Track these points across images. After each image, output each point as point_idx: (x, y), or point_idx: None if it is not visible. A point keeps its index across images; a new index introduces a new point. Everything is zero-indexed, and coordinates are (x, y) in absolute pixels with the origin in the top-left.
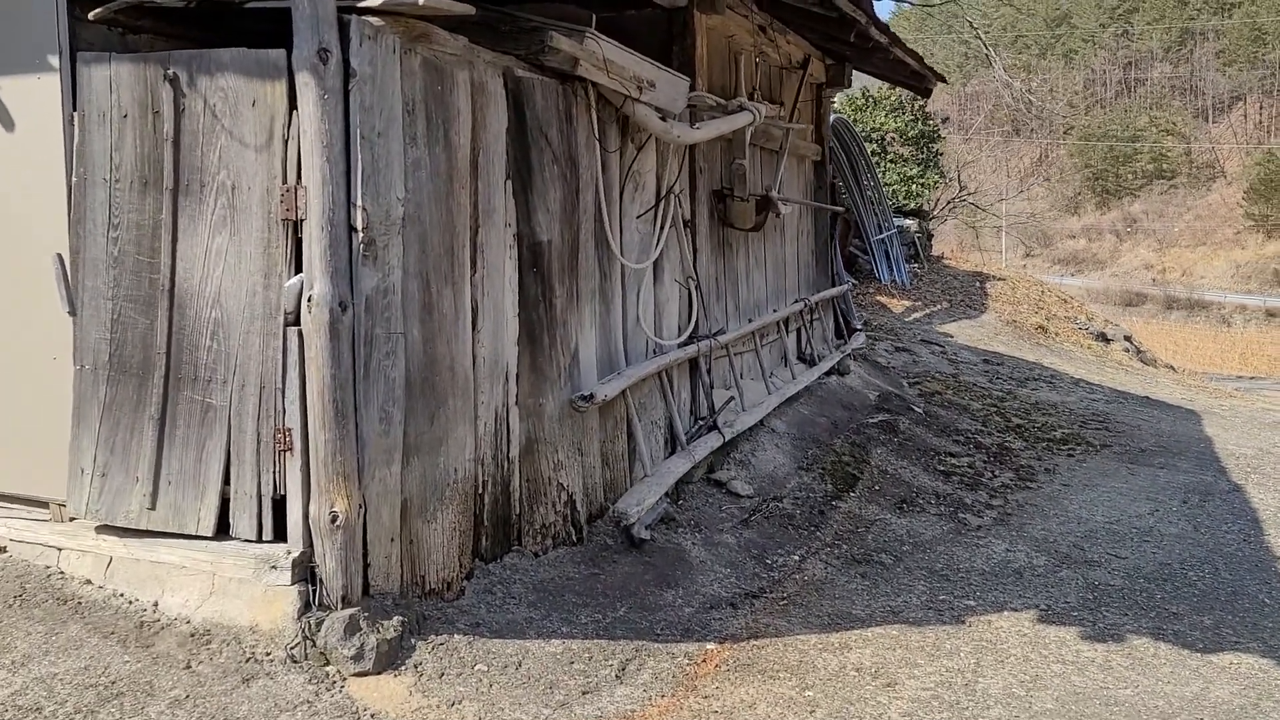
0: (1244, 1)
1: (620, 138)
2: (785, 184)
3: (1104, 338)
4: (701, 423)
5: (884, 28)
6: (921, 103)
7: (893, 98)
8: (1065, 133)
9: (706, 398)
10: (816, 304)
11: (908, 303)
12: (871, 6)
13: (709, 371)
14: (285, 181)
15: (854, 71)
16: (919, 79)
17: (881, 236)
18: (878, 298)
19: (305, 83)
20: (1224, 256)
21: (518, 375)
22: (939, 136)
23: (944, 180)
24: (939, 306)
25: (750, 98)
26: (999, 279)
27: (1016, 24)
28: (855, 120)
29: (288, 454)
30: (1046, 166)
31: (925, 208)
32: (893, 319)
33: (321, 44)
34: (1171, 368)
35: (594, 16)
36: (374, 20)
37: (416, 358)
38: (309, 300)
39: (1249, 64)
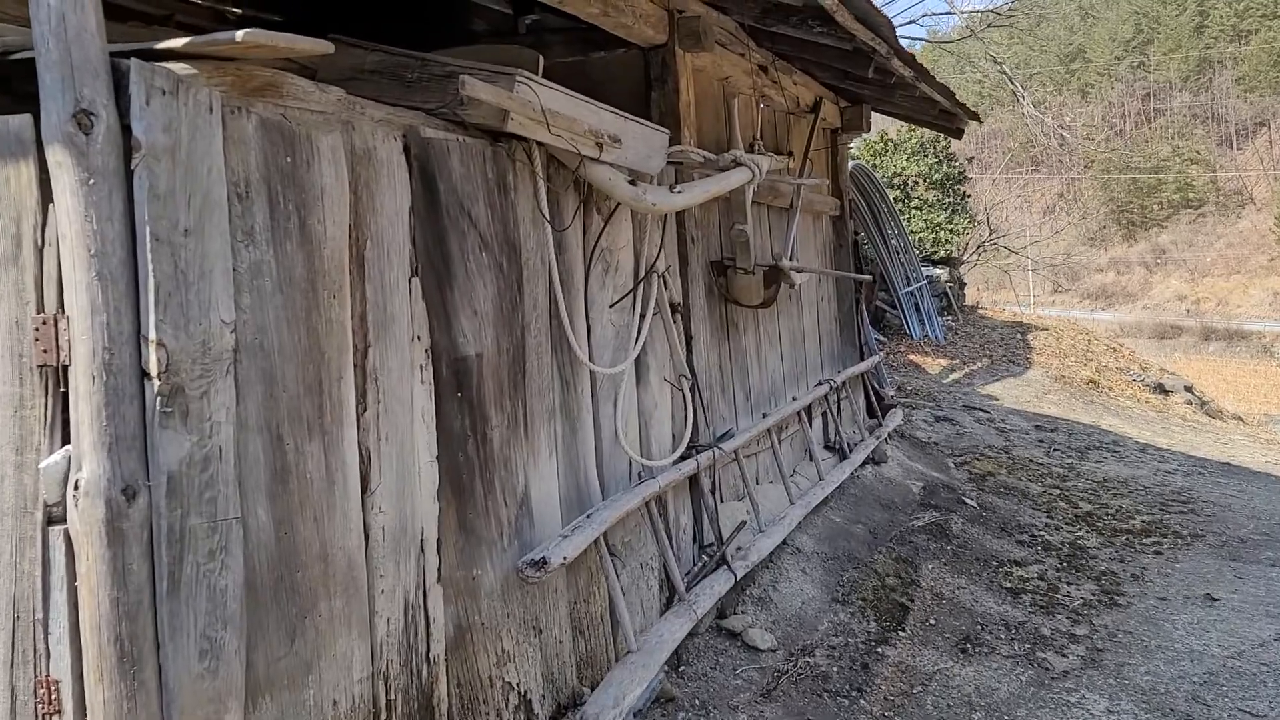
0: (1261, 28)
1: (580, 209)
2: (800, 247)
3: (1162, 389)
4: (707, 556)
5: (909, 59)
6: (945, 143)
7: (914, 140)
8: (1086, 167)
9: (712, 523)
10: (844, 383)
11: (944, 361)
12: (894, 35)
13: (714, 489)
14: (41, 309)
15: (874, 113)
16: (949, 118)
17: (911, 289)
18: (911, 357)
19: (59, 161)
20: (1259, 284)
21: (439, 542)
22: (965, 178)
23: (973, 224)
24: (979, 364)
25: (751, 149)
26: (1041, 329)
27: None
28: (875, 166)
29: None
30: (1069, 201)
31: (955, 254)
32: (929, 381)
33: (80, 104)
34: (1240, 419)
35: (540, 60)
36: (174, 68)
37: (264, 550)
38: (76, 486)
39: (1271, 89)
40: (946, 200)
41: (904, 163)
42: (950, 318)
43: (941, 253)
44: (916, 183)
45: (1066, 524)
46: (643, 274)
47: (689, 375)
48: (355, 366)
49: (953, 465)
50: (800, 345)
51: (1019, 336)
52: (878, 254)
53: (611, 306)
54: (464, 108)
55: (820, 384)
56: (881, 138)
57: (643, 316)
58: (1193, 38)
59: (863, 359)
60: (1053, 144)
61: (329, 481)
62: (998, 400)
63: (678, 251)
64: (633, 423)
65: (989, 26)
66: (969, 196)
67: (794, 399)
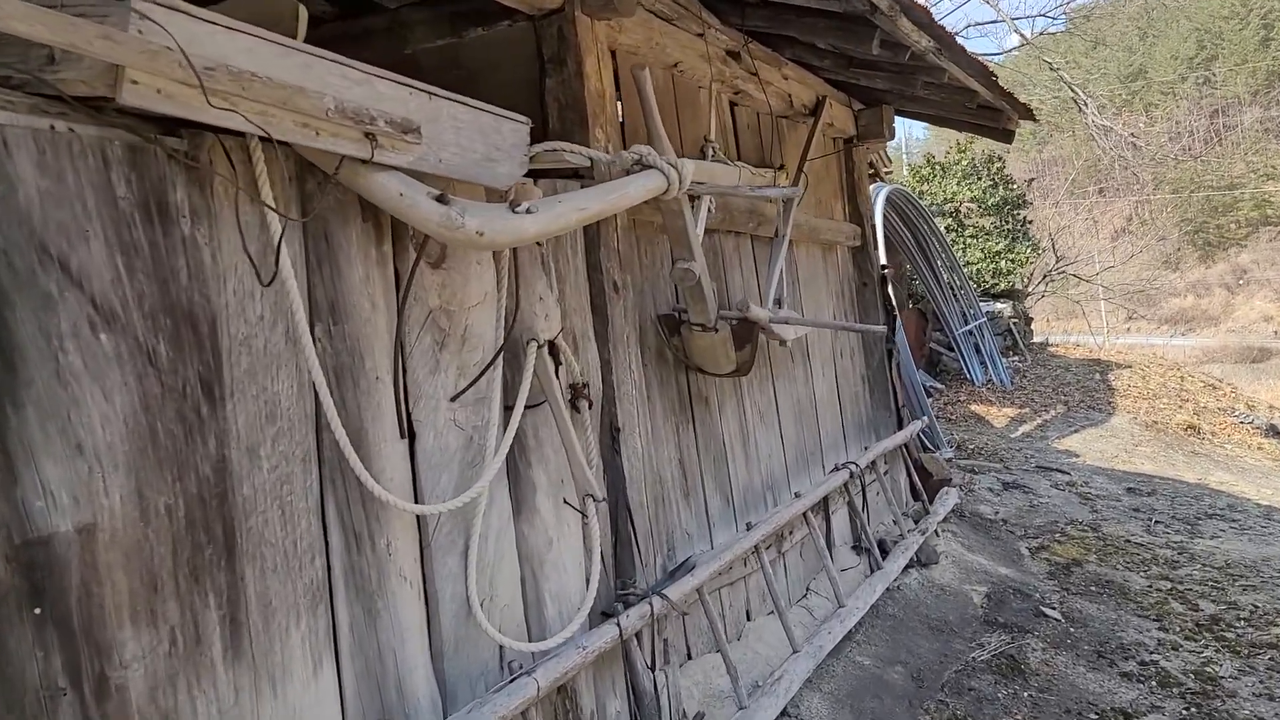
0: None
1: (380, 248)
2: (807, 288)
3: (1276, 432)
4: None
5: (925, 19)
6: (999, 164)
7: (964, 162)
8: (1155, 188)
9: (653, 715)
10: (874, 462)
11: (1012, 410)
12: None
13: (656, 658)
14: None
15: (901, 118)
16: (993, 116)
17: (969, 327)
18: (973, 407)
19: None
20: None
21: None
22: (1025, 202)
23: (1037, 252)
24: (1053, 412)
25: (703, 154)
26: (1123, 366)
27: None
28: (921, 193)
29: None
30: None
31: (1018, 286)
32: (995, 436)
33: None
34: None
35: (302, 12)
36: None
37: None
38: None
39: None
40: (1005, 227)
41: (954, 188)
42: (1016, 358)
43: (1002, 285)
44: (970, 209)
45: (1186, 637)
46: (505, 341)
47: (594, 494)
48: None
49: (1026, 553)
50: (810, 418)
51: (1098, 376)
52: (928, 290)
53: (454, 399)
54: (49, 71)
55: (839, 469)
56: (928, 161)
57: (510, 408)
58: (1259, 51)
59: (900, 426)
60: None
61: None
62: (1078, 457)
63: (590, 305)
64: (506, 579)
65: (1041, 34)
66: (1030, 222)
67: (797, 495)
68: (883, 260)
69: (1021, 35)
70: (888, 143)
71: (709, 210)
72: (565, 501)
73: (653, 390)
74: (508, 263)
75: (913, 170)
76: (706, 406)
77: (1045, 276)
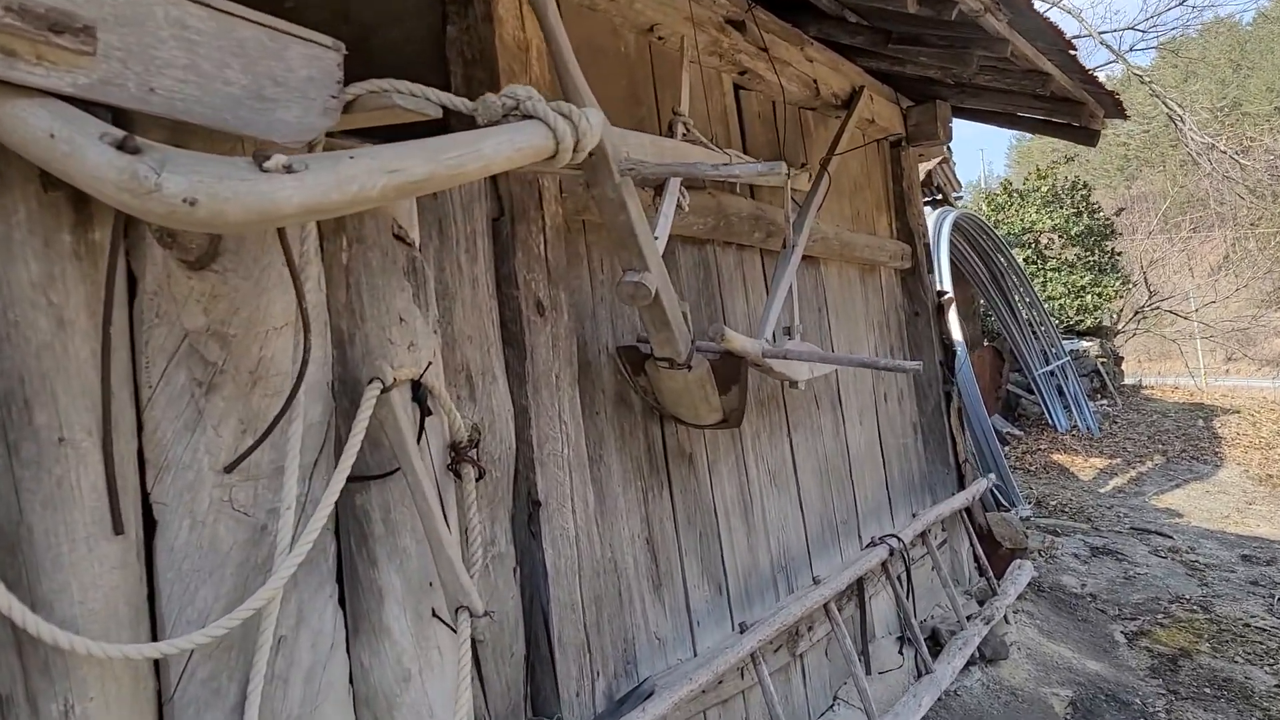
0: None
1: (91, 228)
2: (838, 314)
3: None
4: None
5: None
6: (1084, 190)
7: (1044, 188)
8: (1253, 224)
9: None
10: (925, 531)
11: (1101, 461)
12: None
13: None
14: None
15: (959, 119)
16: (1073, 110)
17: (1050, 367)
18: (1055, 456)
19: None
20: None
21: None
22: (1113, 232)
23: (1127, 286)
24: (1149, 463)
25: (678, 132)
26: (1230, 411)
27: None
28: (996, 222)
29: None
30: (1238, 259)
31: (1106, 323)
32: (1081, 491)
33: None
34: None
35: None
36: None
37: None
38: None
39: None
40: (1091, 259)
41: (1033, 216)
42: (1105, 402)
43: (1088, 322)
44: (1051, 240)
45: None
46: (295, 382)
47: (477, 604)
48: None
49: (1122, 640)
50: (841, 477)
51: (1201, 422)
52: (1004, 326)
53: (229, 469)
54: None
55: (876, 543)
56: (1004, 187)
57: (329, 478)
58: None
59: (962, 484)
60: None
61: None
62: (1181, 517)
63: (500, 331)
64: None
65: (1130, 49)
66: (1120, 254)
67: (816, 579)
68: (942, 285)
69: (1110, 49)
70: (944, 144)
71: (679, 204)
72: (434, 615)
73: (607, 446)
74: (314, 257)
75: (986, 197)
76: (690, 466)
77: (1137, 313)
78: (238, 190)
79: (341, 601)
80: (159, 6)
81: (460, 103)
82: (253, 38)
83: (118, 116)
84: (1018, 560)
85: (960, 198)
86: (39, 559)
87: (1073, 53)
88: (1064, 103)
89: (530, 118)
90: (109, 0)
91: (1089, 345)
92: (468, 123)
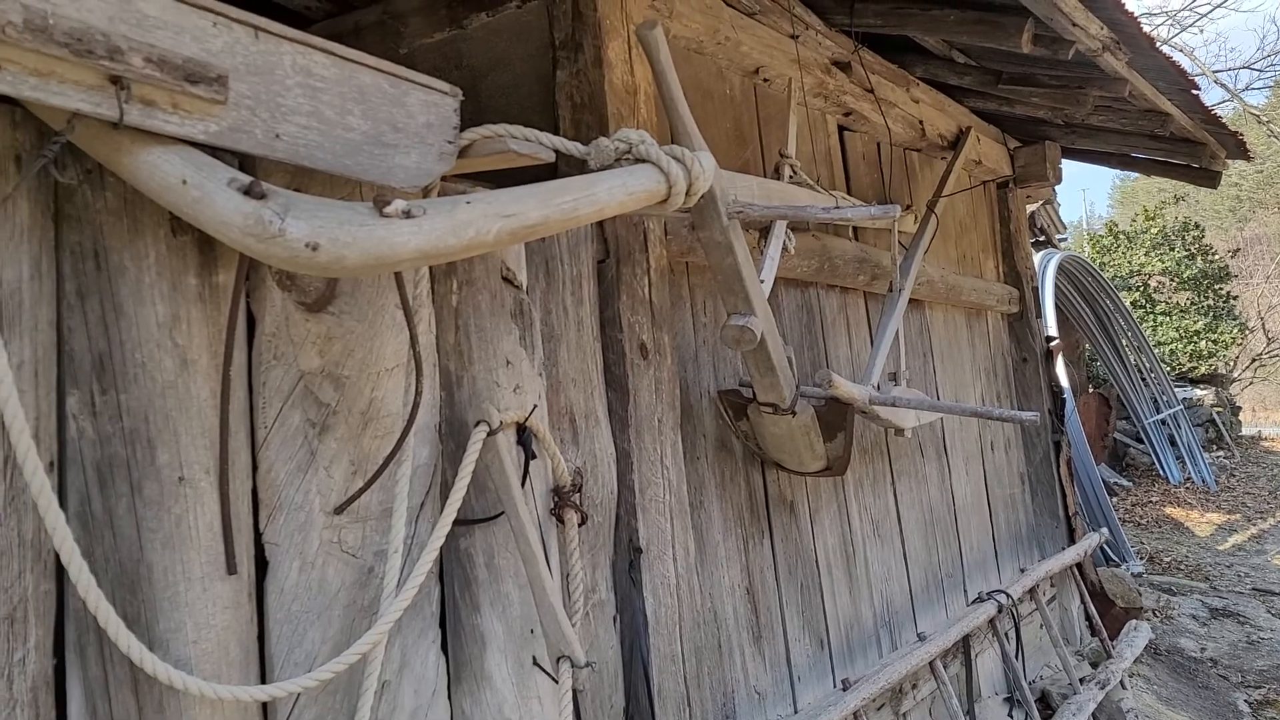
0: None
1: (215, 270)
2: (944, 360)
3: None
4: None
5: (1117, 4)
6: (1196, 232)
7: (1153, 230)
8: None
9: None
10: (1035, 587)
11: (1218, 516)
12: None
13: None
14: None
15: (1067, 160)
16: (1192, 150)
17: (1161, 416)
18: (1167, 510)
19: None
20: None
21: None
22: (1228, 275)
23: (1244, 332)
24: (1272, 520)
25: (777, 173)
26: None
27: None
28: (1102, 265)
29: None
30: None
31: (1222, 371)
32: (1196, 547)
33: None
34: None
35: None
36: None
37: None
38: None
39: None
40: (1204, 303)
41: (1142, 258)
42: (1222, 453)
43: (1202, 369)
44: (1162, 283)
45: None
46: (407, 424)
47: (579, 655)
48: None
49: (1246, 710)
50: (946, 529)
51: None
52: (1111, 372)
53: (339, 511)
54: None
55: (983, 599)
56: (1109, 230)
57: (432, 527)
58: None
59: (1072, 538)
60: None
61: None
62: None
63: (604, 374)
64: None
65: (1246, 88)
66: (1236, 298)
67: (921, 635)
68: (1048, 330)
69: (1225, 87)
70: (1053, 186)
71: (786, 246)
72: (536, 663)
73: (707, 492)
74: (451, 308)
75: (1091, 238)
76: (791, 514)
77: (1254, 360)
78: (357, 235)
79: (443, 647)
80: (288, 55)
81: (573, 147)
82: (373, 84)
83: (243, 162)
84: (1133, 621)
85: (1064, 239)
86: (157, 598)
87: (1195, 92)
88: (1183, 143)
89: (643, 161)
90: (242, 50)
91: (1203, 393)
92: (578, 166)
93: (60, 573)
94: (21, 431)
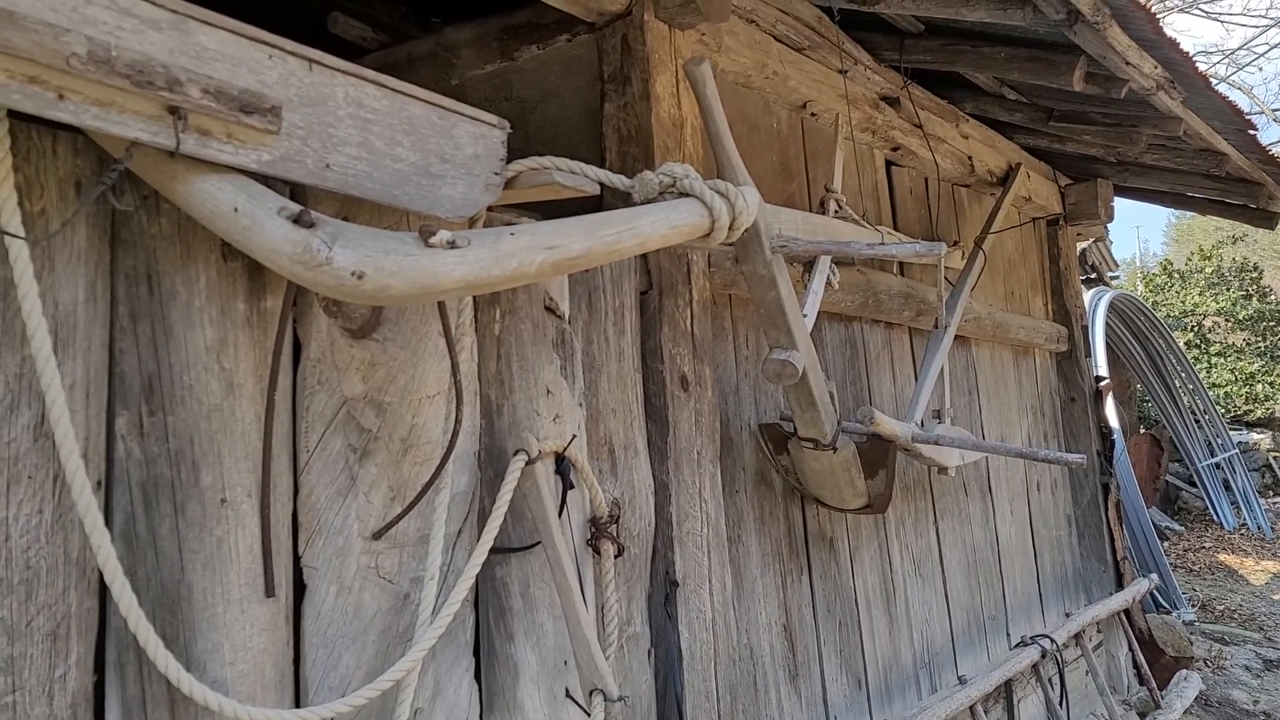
0: None
1: (264, 296)
2: (990, 398)
3: None
4: None
5: (1152, 36)
6: (1255, 273)
7: (1208, 269)
8: None
9: None
10: (1081, 632)
11: (1274, 564)
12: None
13: None
14: None
15: (1118, 197)
16: (1249, 190)
17: (1216, 459)
18: (1220, 556)
19: None
20: None
21: None
22: None
23: None
24: None
25: (821, 207)
26: None
27: None
28: (1155, 304)
29: None
30: None
31: (1279, 414)
32: (1251, 596)
33: None
34: None
35: None
36: None
37: None
38: None
39: None
40: (1262, 345)
41: (1195, 298)
42: (1278, 499)
43: (1259, 412)
44: (1216, 323)
45: None
46: (446, 451)
47: (612, 689)
48: None
49: None
50: (990, 570)
51: None
52: (1163, 413)
53: (377, 536)
54: None
55: (1027, 643)
56: (1164, 268)
57: (469, 555)
58: None
59: (1120, 584)
60: None
61: None
62: None
63: (644, 405)
64: None
65: None
66: None
67: (962, 679)
68: (1098, 369)
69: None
70: (1105, 224)
71: (829, 282)
72: (569, 695)
73: (745, 526)
74: (495, 336)
75: (1144, 277)
76: (831, 551)
77: None
78: (402, 265)
79: (476, 675)
80: (340, 87)
81: (618, 179)
82: (423, 116)
83: (294, 191)
84: (1184, 670)
85: (1116, 277)
86: (196, 618)
87: (1252, 132)
88: (1239, 183)
89: (687, 195)
90: (296, 82)
91: (1260, 438)
92: (623, 198)
93: (103, 591)
94: (71, 451)
